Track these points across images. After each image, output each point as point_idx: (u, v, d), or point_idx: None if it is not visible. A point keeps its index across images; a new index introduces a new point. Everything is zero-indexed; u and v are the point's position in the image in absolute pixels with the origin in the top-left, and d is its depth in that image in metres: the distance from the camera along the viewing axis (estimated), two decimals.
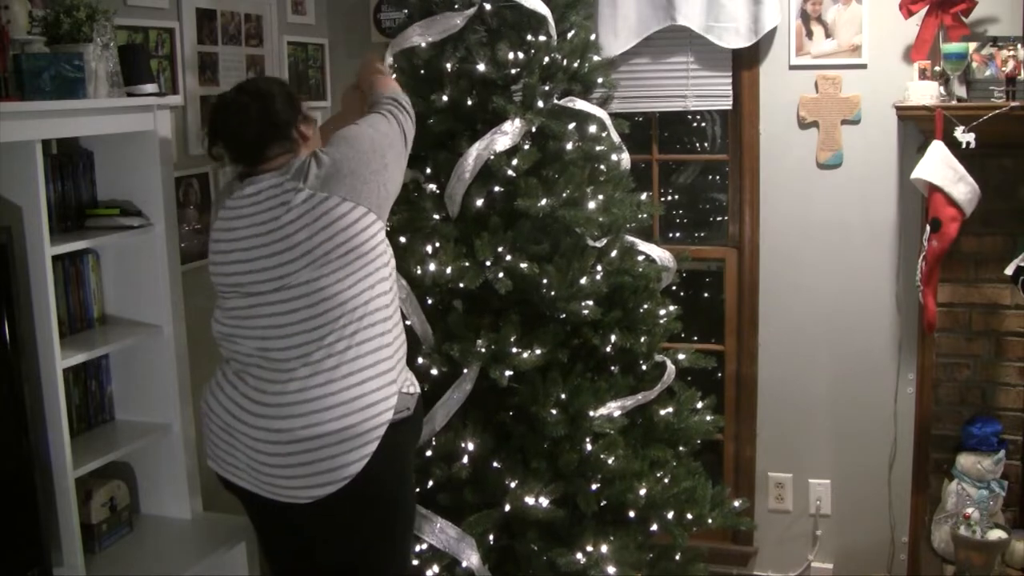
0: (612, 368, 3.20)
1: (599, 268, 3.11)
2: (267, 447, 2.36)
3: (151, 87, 2.93)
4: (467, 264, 2.97)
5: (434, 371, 3.02)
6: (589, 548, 3.00)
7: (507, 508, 2.97)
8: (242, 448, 2.40)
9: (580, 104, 3.19)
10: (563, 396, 3.01)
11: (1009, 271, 3.43)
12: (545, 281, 2.98)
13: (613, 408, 3.08)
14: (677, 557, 3.29)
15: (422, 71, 3.15)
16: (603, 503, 3.07)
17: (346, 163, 2.41)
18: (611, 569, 2.99)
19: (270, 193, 2.39)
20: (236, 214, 2.43)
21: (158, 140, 2.94)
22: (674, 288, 3.62)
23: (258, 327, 2.39)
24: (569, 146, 3.12)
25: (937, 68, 3.52)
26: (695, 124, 4.56)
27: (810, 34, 3.79)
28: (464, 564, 2.95)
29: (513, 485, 2.97)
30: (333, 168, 2.39)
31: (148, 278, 3.00)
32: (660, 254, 3.39)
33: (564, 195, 3.03)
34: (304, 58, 4.13)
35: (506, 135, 3.00)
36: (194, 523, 3.11)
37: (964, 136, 3.37)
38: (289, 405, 2.34)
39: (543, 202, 2.99)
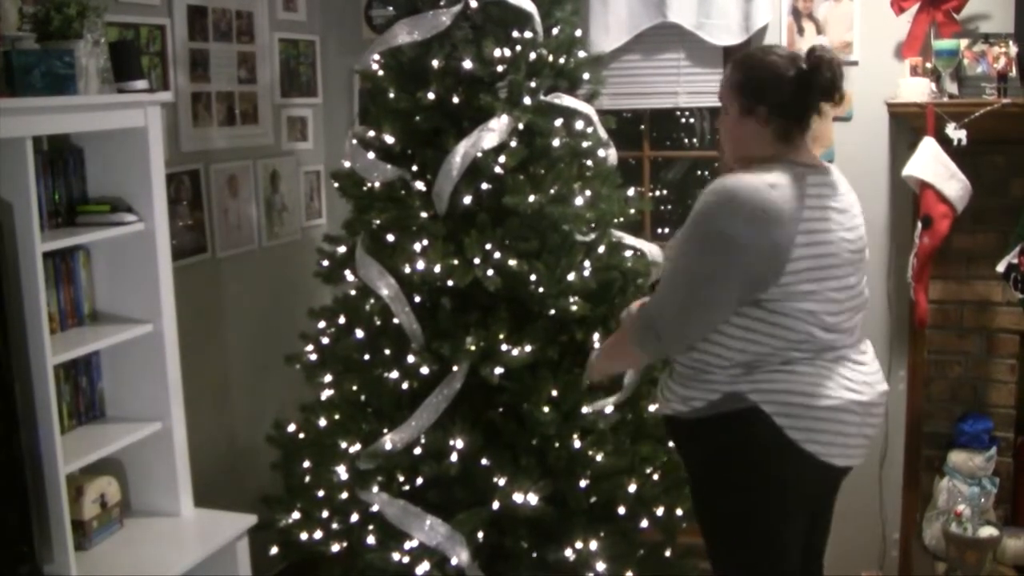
0: None
1: (587, 264, 3.11)
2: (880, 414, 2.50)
3: (142, 84, 2.93)
4: (456, 262, 2.98)
5: (424, 369, 3.02)
6: (579, 545, 3.01)
7: (496, 505, 2.97)
8: (868, 424, 2.45)
9: (567, 100, 3.19)
10: (554, 393, 3.02)
11: (1000, 268, 3.43)
12: (534, 278, 2.99)
13: (606, 403, 3.08)
14: (667, 553, 3.29)
15: (408, 69, 3.15)
16: (593, 500, 3.07)
17: None
18: (601, 566, 3.00)
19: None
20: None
21: (149, 137, 2.93)
22: None
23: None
24: (556, 142, 3.12)
25: (928, 65, 3.52)
26: (684, 120, 4.57)
27: (801, 31, 3.79)
28: (454, 561, 2.96)
29: (502, 482, 2.97)
30: None
31: (139, 275, 3.00)
32: (649, 248, 3.39)
33: (552, 191, 3.03)
34: (295, 55, 4.13)
35: (493, 132, 3.00)
36: (185, 520, 3.11)
37: (955, 133, 3.37)
38: (876, 372, 2.49)
39: (531, 199, 2.99)
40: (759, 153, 2.40)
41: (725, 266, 2.26)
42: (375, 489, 3.04)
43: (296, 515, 3.23)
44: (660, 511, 3.17)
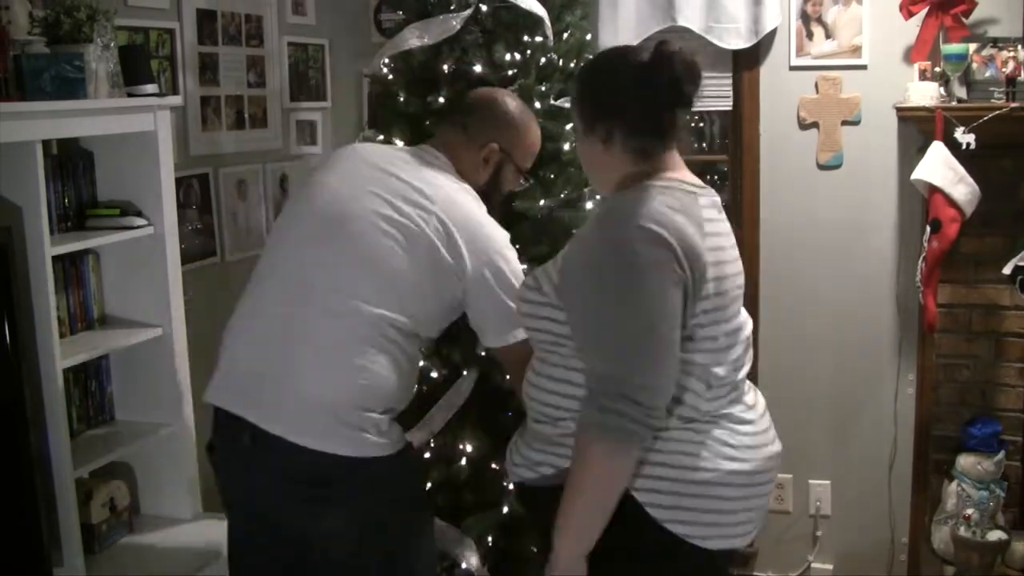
0: None
1: None
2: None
3: (151, 87, 2.93)
4: None
5: (434, 374, 3.01)
6: None
7: (506, 509, 2.97)
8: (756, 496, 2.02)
9: None
10: None
11: (1007, 271, 3.43)
12: None
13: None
14: None
15: (418, 72, 3.15)
16: None
17: None
18: None
19: None
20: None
21: (158, 140, 2.94)
22: None
23: None
24: (567, 147, 3.12)
25: (937, 69, 3.52)
26: (693, 124, 4.57)
27: (810, 35, 3.79)
28: (463, 566, 2.95)
29: (512, 487, 2.96)
30: None
31: (148, 278, 3.01)
32: None
33: (562, 196, 3.03)
34: (304, 59, 4.13)
35: None
36: (194, 524, 3.12)
37: (964, 137, 3.37)
38: (766, 431, 2.06)
39: (541, 203, 2.99)
40: (618, 178, 2.02)
41: (664, 295, 1.83)
42: None
43: None
44: None
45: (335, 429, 2.15)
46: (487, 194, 2.47)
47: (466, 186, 2.39)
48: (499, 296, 2.30)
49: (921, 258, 3.54)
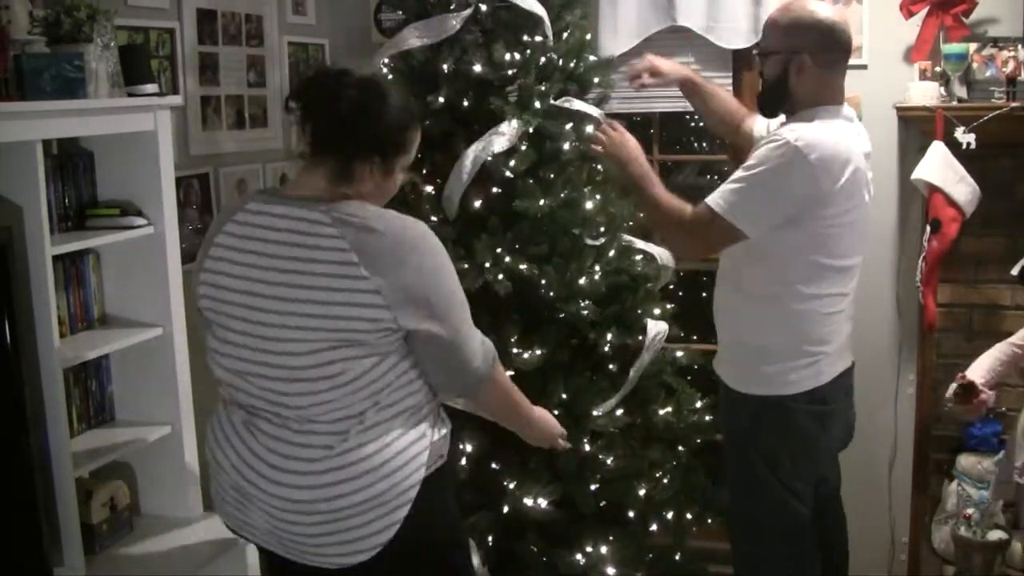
0: (610, 367, 3.21)
1: (597, 268, 3.11)
2: (285, 515, 2.08)
3: (151, 87, 2.93)
4: (466, 266, 2.97)
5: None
6: (589, 549, 3.01)
7: (506, 509, 2.97)
8: (259, 512, 2.12)
9: (577, 104, 3.19)
10: (564, 396, 3.01)
11: (1015, 271, 3.43)
12: (544, 282, 2.99)
13: (613, 402, 3.07)
14: (677, 557, 3.29)
15: (418, 72, 3.16)
16: (603, 504, 3.07)
17: None
18: (611, 570, 3.00)
19: None
20: None
21: (159, 140, 2.93)
22: (672, 287, 3.62)
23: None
24: (566, 146, 3.13)
25: (937, 69, 3.52)
26: (693, 124, 4.57)
27: None
28: None
29: (512, 486, 2.97)
30: None
31: (149, 278, 3.00)
32: (659, 252, 3.39)
33: (562, 195, 3.03)
34: (304, 58, 4.13)
35: (503, 136, 3.00)
36: (195, 523, 3.11)
37: (964, 137, 3.37)
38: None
39: (541, 203, 2.99)
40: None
41: None
42: None
43: None
44: (669, 515, 3.18)
45: None
46: None
47: None
48: None
49: (921, 258, 3.54)
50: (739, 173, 2.54)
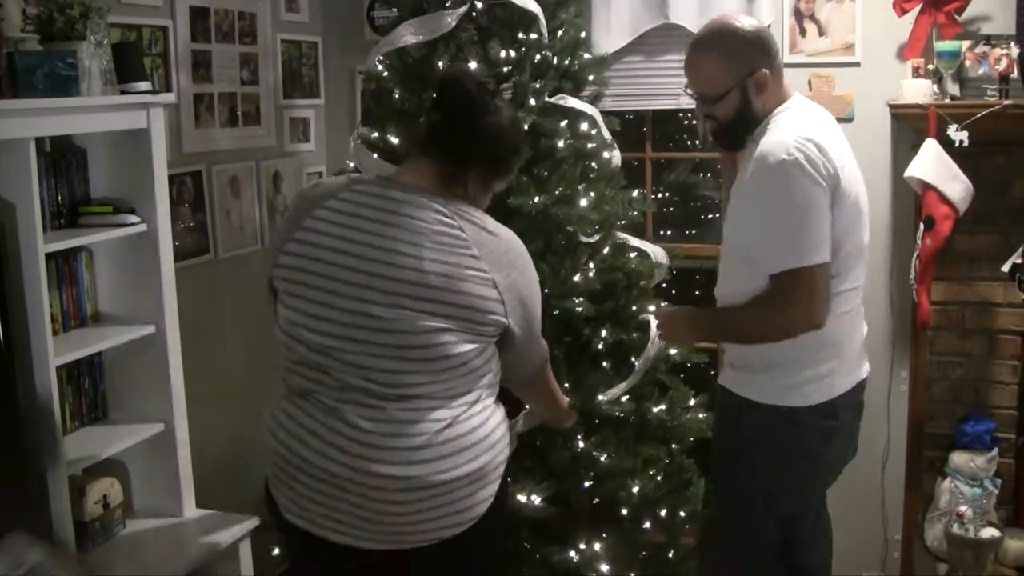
0: (604, 364, 3.21)
1: (591, 265, 3.11)
2: (386, 495, 2.09)
3: (145, 85, 2.93)
4: None
5: None
6: (582, 546, 3.01)
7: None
8: (352, 497, 2.10)
9: (571, 102, 3.19)
10: (567, 385, 3.01)
11: (1006, 268, 3.44)
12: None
13: (620, 389, 3.06)
14: (670, 555, 3.29)
15: (413, 69, 3.15)
16: (596, 501, 3.07)
17: None
18: (604, 567, 3.00)
19: None
20: None
21: (151, 138, 2.93)
22: (666, 286, 3.62)
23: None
24: (561, 144, 3.12)
25: (930, 66, 3.53)
26: (686, 122, 4.58)
27: (803, 32, 3.79)
28: None
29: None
30: None
31: (142, 276, 3.00)
32: (654, 250, 3.39)
33: (556, 193, 3.03)
34: (297, 56, 4.13)
35: None
36: (188, 521, 3.11)
37: (957, 134, 3.38)
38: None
39: (536, 200, 2.99)
40: None
41: None
42: None
43: None
44: (663, 512, 3.17)
45: None
46: None
47: None
48: None
49: (915, 255, 3.55)
50: (763, 217, 2.41)
